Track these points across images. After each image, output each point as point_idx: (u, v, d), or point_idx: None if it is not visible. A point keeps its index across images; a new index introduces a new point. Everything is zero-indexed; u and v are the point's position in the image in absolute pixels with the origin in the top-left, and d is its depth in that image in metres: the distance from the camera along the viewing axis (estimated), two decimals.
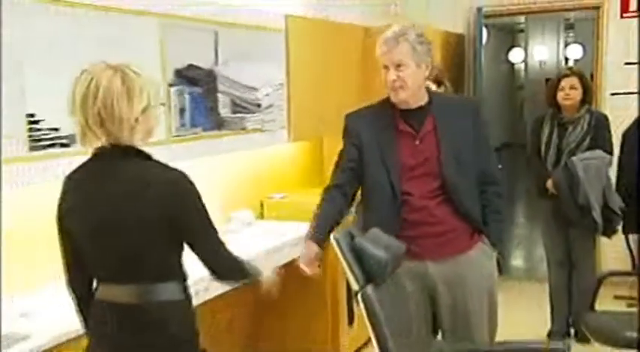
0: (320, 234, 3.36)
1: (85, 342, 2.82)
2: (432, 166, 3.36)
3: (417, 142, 3.37)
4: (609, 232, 5.21)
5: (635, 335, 4.12)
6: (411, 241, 3.27)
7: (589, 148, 5.08)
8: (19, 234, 3.42)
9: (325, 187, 3.56)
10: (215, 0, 4.45)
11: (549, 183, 5.15)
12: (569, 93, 5.14)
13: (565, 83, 5.16)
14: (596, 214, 4.98)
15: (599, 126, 5.16)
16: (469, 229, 3.45)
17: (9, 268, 3.27)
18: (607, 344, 4.29)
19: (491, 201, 3.54)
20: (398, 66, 3.24)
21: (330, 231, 3.28)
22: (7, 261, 3.27)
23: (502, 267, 3.78)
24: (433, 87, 4.23)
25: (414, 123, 3.39)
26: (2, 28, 2.74)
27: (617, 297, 6.09)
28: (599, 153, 5.06)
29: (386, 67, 3.28)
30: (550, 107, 5.31)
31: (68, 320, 2.95)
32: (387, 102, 3.46)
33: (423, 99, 3.41)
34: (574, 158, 5.00)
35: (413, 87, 3.30)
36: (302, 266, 3.35)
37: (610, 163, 5.18)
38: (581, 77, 5.23)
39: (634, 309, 5.48)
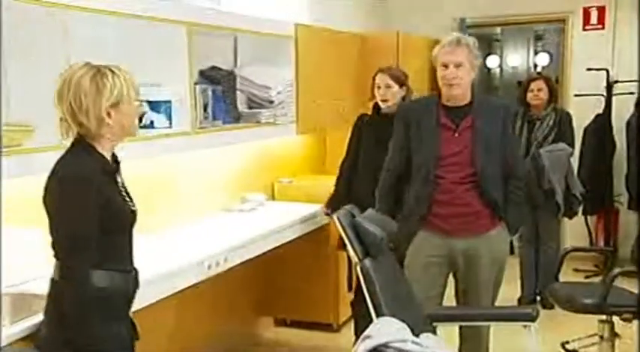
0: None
1: None
2: (465, 157, 3.46)
3: (456, 135, 3.48)
4: (570, 214, 5.29)
5: (591, 301, 4.15)
6: (440, 218, 3.50)
7: (554, 141, 5.15)
8: None
9: (383, 177, 3.80)
10: (234, 10, 4.43)
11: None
12: (537, 94, 5.27)
13: (534, 85, 5.30)
14: (559, 198, 5.05)
15: (563, 123, 5.25)
16: (491, 213, 3.54)
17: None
18: (568, 309, 4.29)
19: (513, 193, 3.62)
20: (457, 65, 3.36)
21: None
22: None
23: (513, 248, 3.91)
24: (396, 87, 4.23)
25: (455, 119, 3.48)
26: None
27: (577, 270, 6.11)
28: (562, 145, 5.12)
29: (445, 66, 3.39)
30: (521, 106, 5.33)
31: None
32: (433, 98, 3.62)
33: (467, 99, 3.51)
34: (540, 150, 5.08)
35: (465, 85, 3.44)
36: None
37: (572, 154, 5.23)
38: (547, 80, 5.38)
39: (591, 280, 5.48)
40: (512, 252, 4.02)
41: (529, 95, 5.31)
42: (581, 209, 6.18)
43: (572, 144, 5.29)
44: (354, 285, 4.52)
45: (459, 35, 3.51)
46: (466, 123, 3.48)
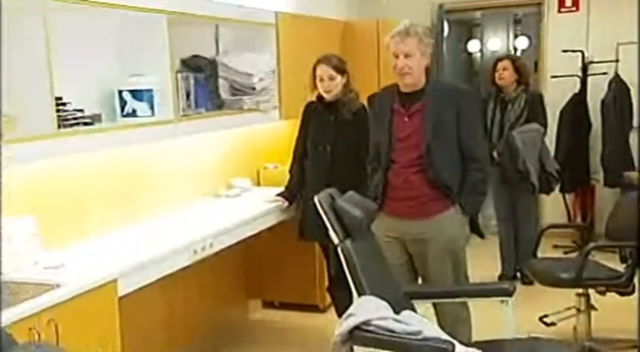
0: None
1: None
2: (415, 139, 3.45)
3: (406, 119, 3.48)
4: (547, 190, 5.31)
5: (568, 275, 4.18)
6: (393, 201, 3.52)
7: (526, 122, 5.19)
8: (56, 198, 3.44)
9: (364, 166, 3.81)
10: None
11: (494, 153, 5.19)
12: (502, 73, 5.27)
13: (499, 65, 5.31)
14: (533, 177, 5.08)
15: (534, 103, 5.27)
16: (442, 196, 3.50)
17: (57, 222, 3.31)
18: (546, 284, 4.33)
19: (470, 176, 3.55)
20: (407, 55, 3.35)
21: None
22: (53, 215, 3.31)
23: (478, 230, 3.91)
24: (338, 77, 4.20)
25: (406, 104, 3.49)
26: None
27: (555, 246, 6.15)
28: (535, 126, 5.15)
29: (396, 56, 3.38)
30: (493, 87, 5.38)
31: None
32: (392, 87, 3.60)
33: (420, 85, 3.49)
34: (513, 132, 5.11)
35: (417, 73, 3.42)
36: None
37: (544, 134, 5.23)
38: (513, 61, 5.36)
39: (569, 256, 5.48)
40: (481, 235, 3.95)
41: (495, 75, 5.32)
42: (558, 186, 6.23)
43: (544, 124, 5.31)
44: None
45: (408, 25, 3.46)
46: (416, 108, 3.48)
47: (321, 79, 4.21)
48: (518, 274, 5.53)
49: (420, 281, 3.72)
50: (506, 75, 5.25)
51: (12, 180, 3.13)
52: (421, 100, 3.48)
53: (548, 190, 5.35)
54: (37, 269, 3.03)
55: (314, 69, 4.28)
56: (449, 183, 3.52)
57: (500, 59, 5.41)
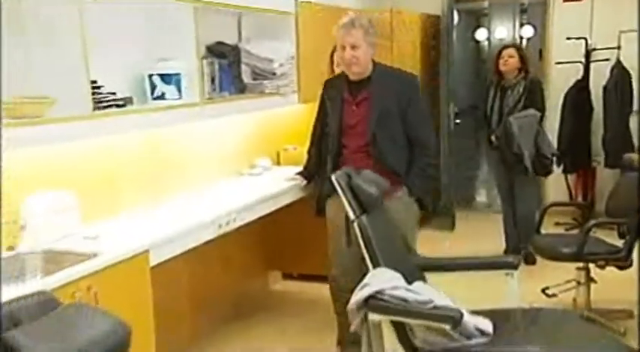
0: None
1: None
2: (362, 127, 3.49)
3: (354, 108, 3.52)
4: (543, 173, 5.27)
5: (569, 250, 4.21)
6: None
7: (524, 107, 5.14)
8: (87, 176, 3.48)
9: (308, 150, 3.97)
10: None
11: (493, 138, 5.20)
12: (507, 60, 5.21)
13: (505, 53, 5.25)
14: (527, 161, 5.03)
15: (533, 90, 5.21)
16: (395, 178, 3.49)
17: (93, 197, 3.35)
18: (549, 258, 4.36)
19: (417, 160, 3.58)
20: (353, 47, 3.35)
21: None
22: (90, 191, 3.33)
23: (429, 207, 3.94)
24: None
25: (354, 92, 3.52)
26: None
27: (557, 223, 6.15)
28: (531, 111, 5.11)
29: (343, 47, 3.38)
30: (495, 74, 5.34)
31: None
32: (343, 75, 3.59)
33: (367, 73, 3.50)
34: (510, 117, 5.06)
35: (363, 63, 3.43)
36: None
37: (541, 119, 5.16)
38: (518, 48, 5.31)
39: (571, 232, 5.49)
40: (433, 210, 3.99)
41: (500, 62, 5.27)
42: (561, 168, 6.26)
43: (542, 110, 5.25)
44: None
45: (354, 17, 3.43)
46: (363, 96, 3.50)
47: (338, 64, 4.21)
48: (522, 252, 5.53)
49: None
50: (511, 62, 5.20)
51: (52, 157, 3.21)
52: (367, 89, 3.50)
53: (544, 173, 5.32)
54: (77, 240, 3.07)
55: (332, 54, 4.38)
56: (395, 168, 3.54)
57: (506, 47, 5.36)
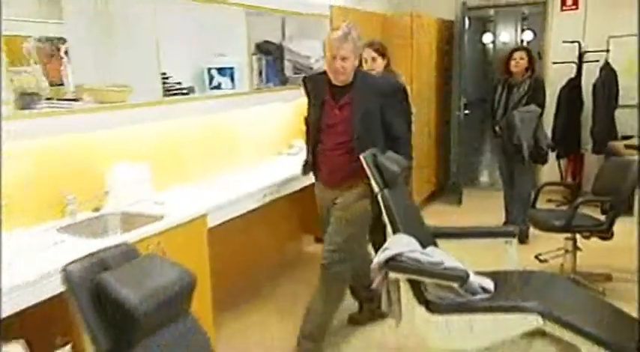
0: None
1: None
2: (342, 128, 3.27)
3: (337, 111, 3.29)
4: (540, 161, 5.18)
5: (560, 223, 4.21)
6: (322, 173, 3.45)
7: (527, 104, 5.02)
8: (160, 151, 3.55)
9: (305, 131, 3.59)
10: None
11: (497, 128, 5.15)
12: (519, 62, 5.07)
13: (516, 55, 5.10)
14: (525, 150, 4.95)
15: (536, 88, 5.08)
16: (357, 175, 3.22)
17: (162, 169, 3.39)
18: (542, 230, 4.35)
19: (395, 151, 3.30)
20: (343, 58, 3.12)
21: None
22: (159, 163, 3.38)
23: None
24: (379, 59, 4.14)
25: (336, 96, 3.28)
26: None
27: (549, 200, 6.12)
28: (532, 107, 4.99)
29: (334, 57, 3.13)
30: (504, 73, 5.21)
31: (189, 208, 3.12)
32: (324, 75, 3.32)
33: (349, 80, 3.26)
34: (514, 111, 4.98)
35: (349, 72, 3.21)
36: None
37: (541, 114, 5.04)
38: (528, 51, 5.16)
39: (561, 208, 5.46)
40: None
41: (511, 63, 5.12)
42: (555, 154, 6.22)
43: (542, 105, 5.12)
44: None
45: (347, 31, 3.15)
46: (345, 101, 3.27)
47: (366, 61, 4.15)
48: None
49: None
50: (522, 63, 5.07)
51: (130, 135, 3.28)
52: (349, 94, 3.27)
53: (540, 161, 5.21)
54: (148, 204, 3.15)
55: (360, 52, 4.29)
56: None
57: (517, 49, 5.21)
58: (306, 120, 3.52)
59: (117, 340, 1.48)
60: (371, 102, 3.27)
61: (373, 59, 4.15)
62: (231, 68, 3.88)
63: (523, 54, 5.08)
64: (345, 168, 3.29)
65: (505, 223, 5.41)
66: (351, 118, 3.25)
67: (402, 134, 3.47)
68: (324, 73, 3.34)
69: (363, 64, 4.25)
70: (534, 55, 5.24)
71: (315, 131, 3.38)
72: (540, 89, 5.11)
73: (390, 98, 3.38)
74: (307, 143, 3.56)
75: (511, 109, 5.05)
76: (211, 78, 3.85)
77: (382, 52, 4.21)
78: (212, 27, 3.88)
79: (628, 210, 4.23)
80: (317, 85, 3.38)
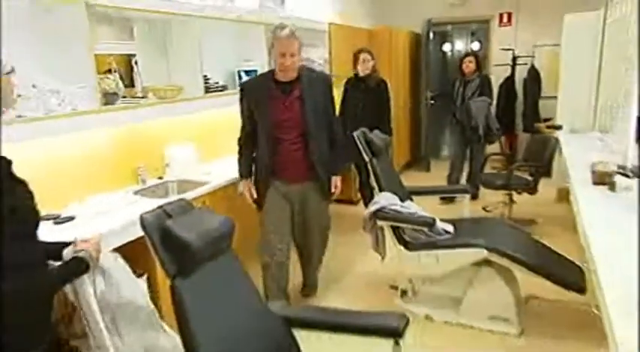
0: (249, 173, 2.82)
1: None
2: (295, 121, 2.64)
3: (286, 104, 2.64)
4: (490, 141, 5.06)
5: (501, 182, 4.22)
6: (281, 170, 2.74)
7: (479, 95, 4.93)
8: (206, 132, 3.52)
9: (239, 137, 2.83)
10: (293, 15, 4.32)
11: (457, 115, 5.06)
12: (468, 64, 4.95)
13: (466, 59, 4.98)
14: (481, 132, 4.86)
15: (485, 84, 4.96)
16: (313, 168, 2.74)
17: (205, 147, 3.37)
18: (488, 188, 4.36)
19: (336, 146, 2.85)
20: (292, 55, 2.54)
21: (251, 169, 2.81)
22: (203, 143, 3.35)
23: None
24: (371, 60, 4.17)
25: (285, 91, 2.65)
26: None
27: (493, 167, 6.13)
28: (484, 98, 4.90)
29: (283, 55, 2.54)
30: (459, 73, 5.07)
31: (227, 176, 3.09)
32: (268, 75, 2.72)
33: (295, 75, 2.65)
34: (470, 101, 4.88)
35: (296, 67, 2.62)
36: (246, 195, 2.81)
37: (490, 104, 4.94)
38: (475, 56, 5.05)
39: (501, 172, 5.47)
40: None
41: (463, 65, 5.01)
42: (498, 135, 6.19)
43: (491, 97, 5.02)
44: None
45: (292, 29, 2.57)
46: (294, 95, 2.64)
47: (363, 61, 4.16)
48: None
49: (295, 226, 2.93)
50: (470, 65, 4.97)
51: (181, 122, 3.26)
52: (297, 87, 2.65)
53: (491, 141, 5.09)
54: (196, 174, 3.15)
55: (356, 56, 4.20)
56: (324, 159, 2.77)
57: (467, 55, 5.11)
58: (246, 126, 2.79)
59: (180, 268, 1.50)
60: (318, 95, 2.69)
61: (368, 60, 4.18)
62: (255, 70, 3.84)
63: (472, 58, 4.99)
64: (305, 161, 2.72)
65: (448, 182, 5.22)
66: (303, 112, 2.65)
67: (337, 129, 2.88)
68: (263, 74, 2.84)
69: (360, 65, 4.22)
70: (480, 59, 5.16)
71: (270, 128, 2.66)
72: (488, 84, 5.02)
73: (329, 91, 2.81)
74: (244, 148, 2.82)
75: (467, 100, 4.97)
76: (240, 78, 3.81)
77: (373, 56, 4.22)
78: (240, 39, 3.84)
79: (547, 173, 4.26)
80: (258, 87, 2.71)
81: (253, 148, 2.78)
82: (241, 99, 2.75)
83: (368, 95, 4.21)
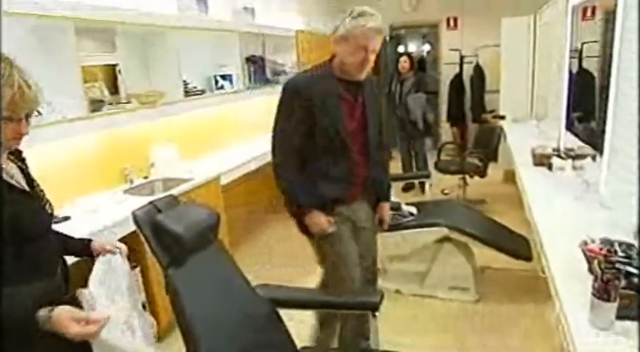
0: (314, 199, 1.88)
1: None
2: (359, 132, 1.90)
3: (354, 111, 1.90)
4: (430, 134, 5.00)
5: (455, 168, 4.29)
6: (356, 186, 1.94)
7: (416, 92, 4.75)
8: (184, 132, 3.44)
9: (282, 159, 1.89)
10: (263, 23, 4.28)
11: (398, 111, 4.89)
12: (403, 64, 4.75)
13: (401, 59, 4.81)
14: (420, 125, 4.76)
15: (421, 82, 4.78)
16: (369, 186, 1.99)
17: (186, 147, 3.29)
18: (445, 173, 4.42)
19: (384, 165, 2.11)
20: (373, 52, 1.81)
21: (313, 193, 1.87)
22: (184, 143, 3.29)
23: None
24: None
25: (353, 93, 1.89)
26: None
27: (448, 154, 6.14)
28: (420, 94, 4.74)
29: (365, 49, 1.79)
30: (396, 71, 4.90)
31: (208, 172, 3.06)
32: (324, 72, 1.89)
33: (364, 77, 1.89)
34: (407, 97, 4.76)
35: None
36: (325, 228, 1.88)
37: (427, 99, 4.79)
38: (409, 55, 4.77)
39: (455, 158, 5.56)
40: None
41: (399, 65, 4.81)
42: (449, 124, 6.29)
43: (427, 93, 4.82)
44: None
45: (380, 22, 1.80)
46: (361, 98, 1.91)
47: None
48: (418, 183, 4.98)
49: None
50: (405, 65, 4.72)
51: (163, 125, 3.16)
52: (361, 90, 1.91)
53: (431, 134, 5.02)
54: (179, 172, 3.08)
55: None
56: (380, 179, 2.02)
57: (402, 55, 4.80)
58: (296, 141, 1.86)
59: (172, 258, 1.47)
60: (374, 99, 1.99)
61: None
62: (230, 75, 3.80)
63: (406, 58, 4.80)
64: (366, 172, 1.95)
65: (403, 170, 5.14)
66: (367, 117, 1.92)
67: (384, 141, 2.14)
68: (316, 71, 1.93)
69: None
70: (414, 59, 4.88)
71: (340, 141, 1.84)
72: (426, 83, 4.86)
73: (378, 96, 2.09)
74: (296, 170, 1.88)
75: (405, 96, 4.80)
76: (217, 82, 3.76)
77: None
78: (216, 47, 3.76)
79: (495, 158, 4.36)
80: (323, 87, 1.85)
81: (303, 169, 1.87)
82: (291, 106, 1.83)
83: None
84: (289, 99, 1.85)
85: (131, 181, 2.86)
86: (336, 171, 1.88)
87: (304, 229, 1.95)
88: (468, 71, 6.42)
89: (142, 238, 1.41)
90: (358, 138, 1.91)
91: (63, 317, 0.99)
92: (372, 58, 1.81)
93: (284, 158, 1.88)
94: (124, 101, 2.84)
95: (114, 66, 2.86)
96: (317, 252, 1.99)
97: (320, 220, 1.88)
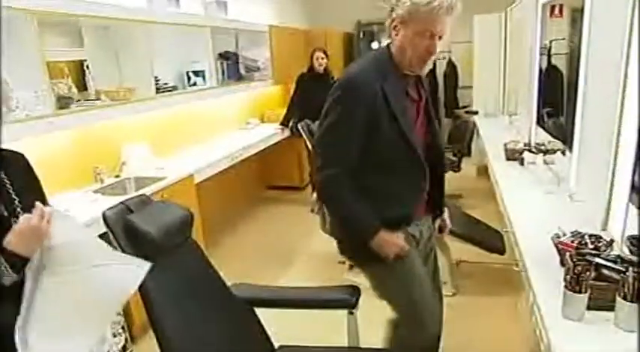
0: (378, 221, 1.48)
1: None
2: (424, 131, 1.55)
3: (420, 110, 1.54)
4: None
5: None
6: (414, 205, 1.58)
7: None
8: (157, 130, 3.38)
9: (335, 174, 1.44)
10: (236, 18, 4.22)
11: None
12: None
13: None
14: None
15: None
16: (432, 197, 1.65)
17: (158, 144, 3.25)
18: None
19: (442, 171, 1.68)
20: (441, 37, 1.43)
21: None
22: (156, 141, 3.24)
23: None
24: (326, 58, 4.21)
25: (418, 90, 1.54)
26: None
27: None
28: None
29: (432, 35, 1.41)
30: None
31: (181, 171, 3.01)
32: (384, 66, 1.48)
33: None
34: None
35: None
36: (403, 245, 1.51)
37: None
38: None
39: None
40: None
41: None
42: None
43: None
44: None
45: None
46: (424, 96, 1.55)
47: (317, 58, 4.21)
48: None
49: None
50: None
51: (135, 122, 3.11)
52: (420, 84, 1.55)
53: None
54: (151, 170, 3.03)
55: (312, 53, 4.25)
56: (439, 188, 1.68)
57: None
58: (352, 152, 1.46)
59: (144, 259, 1.44)
60: (430, 97, 1.60)
61: (322, 58, 4.25)
62: (203, 71, 3.74)
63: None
64: (424, 191, 1.60)
65: None
66: (431, 118, 1.58)
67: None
68: (372, 64, 1.49)
69: (315, 61, 4.19)
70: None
71: (412, 145, 1.46)
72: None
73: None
74: (351, 189, 1.48)
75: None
76: (189, 78, 3.69)
77: (327, 54, 4.32)
78: (188, 42, 3.69)
79: (468, 153, 4.43)
80: (387, 82, 1.44)
81: (354, 185, 1.47)
82: (351, 108, 1.43)
83: (325, 90, 4.14)
84: (349, 100, 1.43)
85: (102, 180, 2.78)
86: (403, 186, 1.51)
87: (365, 256, 1.53)
88: (441, 67, 6.47)
89: (112, 239, 1.37)
90: (424, 144, 1.53)
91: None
92: (438, 44, 1.42)
93: (338, 174, 1.45)
94: (93, 98, 2.76)
95: (82, 61, 2.78)
96: (379, 284, 1.60)
97: (393, 239, 1.50)
